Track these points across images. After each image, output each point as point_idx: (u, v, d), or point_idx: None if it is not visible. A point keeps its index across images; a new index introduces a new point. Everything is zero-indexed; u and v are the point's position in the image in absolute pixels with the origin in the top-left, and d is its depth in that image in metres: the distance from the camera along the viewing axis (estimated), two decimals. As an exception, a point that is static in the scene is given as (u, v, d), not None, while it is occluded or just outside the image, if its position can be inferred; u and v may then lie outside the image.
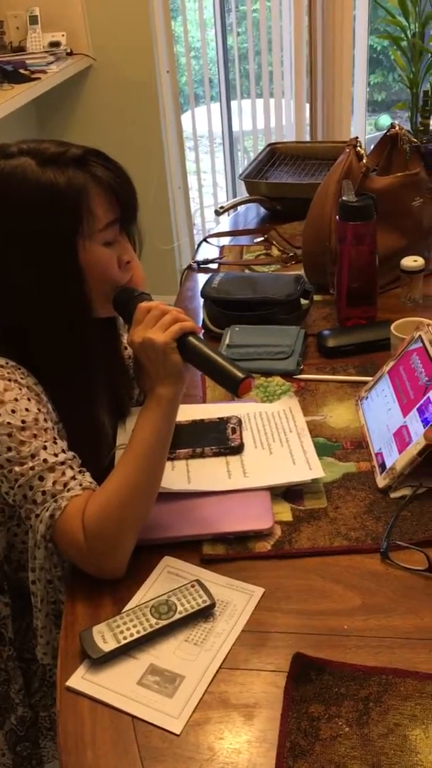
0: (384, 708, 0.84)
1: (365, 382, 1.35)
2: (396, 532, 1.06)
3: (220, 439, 1.24)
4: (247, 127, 3.72)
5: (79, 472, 1.06)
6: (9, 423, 1.02)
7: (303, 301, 1.60)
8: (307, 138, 3.31)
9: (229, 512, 1.11)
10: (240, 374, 1.03)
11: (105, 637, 0.93)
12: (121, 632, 0.93)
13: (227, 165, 3.85)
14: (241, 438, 1.24)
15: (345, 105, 3.20)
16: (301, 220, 1.76)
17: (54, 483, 1.02)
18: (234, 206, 2.20)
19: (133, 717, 0.86)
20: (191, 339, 1.06)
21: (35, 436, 1.03)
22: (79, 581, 1.04)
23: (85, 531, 1.00)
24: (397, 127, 1.71)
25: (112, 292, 1.12)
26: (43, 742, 1.29)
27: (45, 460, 1.02)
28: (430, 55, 2.10)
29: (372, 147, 1.77)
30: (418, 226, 1.70)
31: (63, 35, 3.19)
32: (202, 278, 1.82)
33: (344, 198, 1.51)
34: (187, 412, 1.28)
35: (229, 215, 2.29)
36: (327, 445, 1.25)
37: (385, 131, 1.73)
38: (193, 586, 0.98)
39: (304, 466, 1.17)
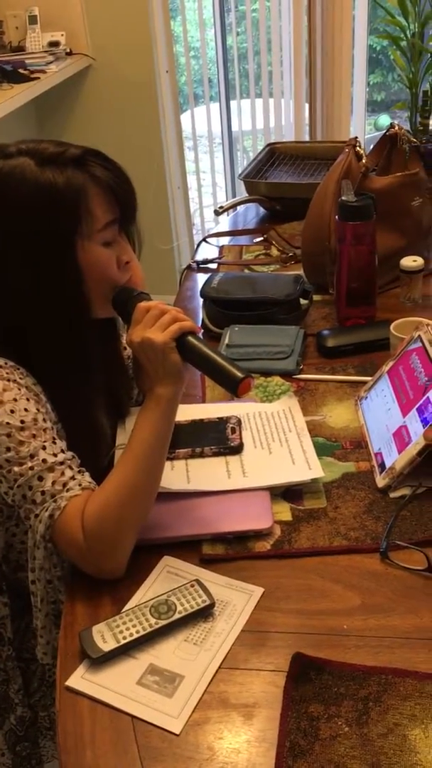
0: (383, 708, 0.84)
1: (365, 382, 1.35)
2: (395, 531, 1.06)
3: (219, 439, 1.24)
4: (247, 126, 3.72)
5: (79, 472, 1.05)
6: (8, 423, 1.02)
7: (302, 301, 1.60)
8: (307, 138, 3.31)
9: (228, 512, 1.11)
10: (239, 374, 1.03)
11: (104, 637, 0.93)
12: (121, 632, 0.93)
13: (226, 165, 3.84)
14: (241, 438, 1.24)
15: (344, 105, 3.20)
16: (300, 220, 1.76)
17: (53, 483, 1.02)
18: (233, 206, 2.20)
19: (133, 717, 0.86)
20: (190, 339, 1.06)
21: (34, 436, 1.03)
22: (79, 581, 1.04)
23: (85, 531, 1.00)
24: (396, 127, 1.71)
25: (111, 292, 1.12)
26: (42, 741, 1.29)
27: (44, 460, 1.02)
28: (429, 55, 2.10)
29: (371, 147, 1.77)
30: (418, 226, 1.70)
31: (62, 35, 3.19)
32: (201, 278, 1.82)
33: (344, 198, 1.51)
34: (187, 412, 1.28)
35: (228, 215, 2.29)
36: (326, 444, 1.25)
37: (384, 131, 1.73)
38: (192, 586, 0.98)
39: (304, 465, 1.17)
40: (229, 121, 3.78)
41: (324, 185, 1.67)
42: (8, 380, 1.05)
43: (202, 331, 1.58)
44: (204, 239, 2.09)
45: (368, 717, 0.83)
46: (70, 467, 1.05)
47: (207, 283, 1.65)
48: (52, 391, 1.11)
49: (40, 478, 1.02)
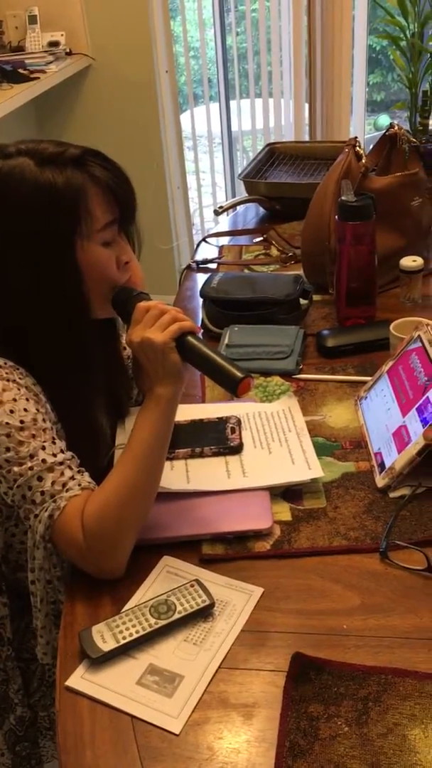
0: (383, 708, 0.84)
1: (364, 382, 1.35)
2: (395, 531, 1.06)
3: (219, 439, 1.24)
4: (246, 126, 3.72)
5: (78, 472, 1.05)
6: (7, 423, 1.02)
7: (302, 301, 1.60)
8: (306, 138, 3.31)
9: (228, 512, 1.11)
10: (239, 374, 1.03)
11: (104, 637, 0.93)
12: (121, 632, 0.93)
13: (226, 165, 3.84)
14: (241, 438, 1.24)
15: (344, 105, 3.20)
16: (300, 219, 1.76)
17: (53, 483, 1.02)
18: (233, 206, 2.20)
19: (133, 717, 0.86)
20: (190, 338, 1.06)
21: (34, 436, 1.03)
22: (79, 581, 1.04)
23: (84, 531, 1.00)
24: (396, 127, 1.71)
25: (111, 293, 1.12)
26: (42, 741, 1.29)
27: (44, 461, 1.02)
28: (429, 55, 2.09)
29: (371, 147, 1.77)
30: (417, 225, 1.70)
31: (62, 35, 3.19)
32: (201, 278, 1.82)
33: (343, 198, 1.51)
34: (186, 412, 1.28)
35: (228, 215, 2.29)
36: (326, 444, 1.25)
37: (384, 131, 1.73)
38: (192, 586, 0.98)
39: (304, 465, 1.17)
40: (229, 121, 3.78)
41: (324, 185, 1.67)
42: (8, 380, 1.05)
43: (202, 331, 1.58)
44: (204, 239, 2.09)
45: (368, 717, 0.83)
46: (70, 467, 1.05)
47: (207, 283, 1.65)
48: (51, 391, 1.11)
49: (40, 479, 1.02)
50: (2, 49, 3.20)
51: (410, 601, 0.96)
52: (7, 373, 1.06)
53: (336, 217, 1.53)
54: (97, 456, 1.18)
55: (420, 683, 0.86)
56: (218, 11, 3.56)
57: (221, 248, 2.02)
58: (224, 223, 2.27)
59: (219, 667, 0.91)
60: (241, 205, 2.23)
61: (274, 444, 1.23)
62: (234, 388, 1.04)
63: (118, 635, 0.93)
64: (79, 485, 1.03)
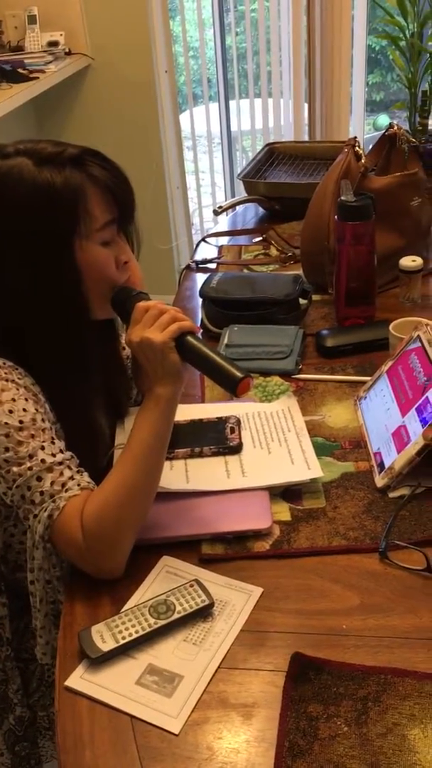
0: (383, 707, 0.84)
1: (364, 382, 1.35)
2: (394, 531, 1.06)
3: (218, 439, 1.24)
4: (246, 126, 3.72)
5: (77, 472, 1.05)
6: (6, 423, 1.02)
7: (301, 301, 1.60)
8: (306, 138, 3.31)
9: (227, 512, 1.11)
10: (239, 374, 1.03)
11: (104, 637, 0.93)
12: (120, 632, 0.93)
13: (226, 165, 3.84)
14: (240, 438, 1.24)
15: (343, 105, 3.20)
16: (299, 219, 1.76)
17: (52, 483, 1.02)
18: (232, 206, 2.20)
19: (132, 717, 0.86)
20: (189, 338, 1.06)
21: (33, 436, 1.03)
22: (78, 581, 1.04)
23: (84, 531, 1.00)
24: (395, 127, 1.71)
25: (110, 293, 1.12)
26: (41, 741, 1.29)
27: (43, 461, 1.02)
28: (428, 55, 2.09)
29: (370, 147, 1.77)
30: (417, 225, 1.70)
31: (61, 35, 3.19)
32: (200, 278, 1.82)
33: (343, 198, 1.51)
34: (186, 412, 1.28)
35: (227, 215, 2.29)
36: (325, 444, 1.24)
37: (383, 131, 1.73)
38: (191, 586, 0.98)
39: (303, 465, 1.17)
40: (228, 121, 3.78)
41: (323, 185, 1.67)
42: (7, 380, 1.05)
43: (201, 330, 1.58)
44: (203, 239, 2.09)
45: (367, 717, 0.83)
46: (69, 467, 1.05)
47: (206, 283, 1.65)
48: (50, 391, 1.11)
49: (39, 479, 1.02)
50: (1, 49, 3.20)
51: (410, 601, 0.96)
52: (6, 373, 1.06)
53: (335, 217, 1.53)
54: (96, 456, 1.18)
55: (419, 683, 0.86)
56: (217, 11, 3.56)
57: (220, 248, 2.02)
58: (223, 223, 2.27)
59: (218, 667, 0.91)
60: (241, 205, 2.23)
61: (274, 444, 1.23)
62: (233, 388, 1.04)
63: (117, 635, 0.93)
64: (79, 485, 1.03)
